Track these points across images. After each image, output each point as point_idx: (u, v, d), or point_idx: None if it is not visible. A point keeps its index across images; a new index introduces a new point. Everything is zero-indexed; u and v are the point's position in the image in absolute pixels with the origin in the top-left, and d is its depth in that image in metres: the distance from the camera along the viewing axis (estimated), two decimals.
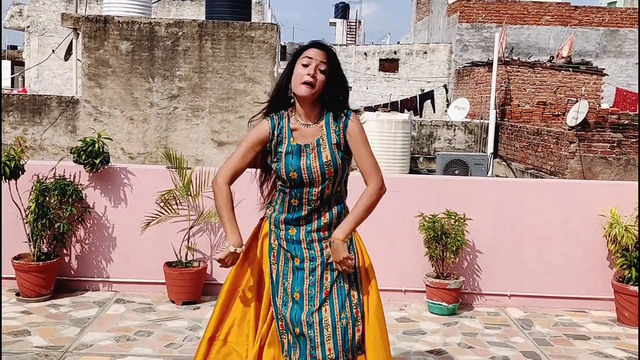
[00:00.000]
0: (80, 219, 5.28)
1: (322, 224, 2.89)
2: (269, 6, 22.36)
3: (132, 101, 14.63)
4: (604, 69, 19.29)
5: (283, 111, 2.91)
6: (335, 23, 49.12)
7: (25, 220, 5.10)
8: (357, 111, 2.95)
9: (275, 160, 2.88)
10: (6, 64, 38.29)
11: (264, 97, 14.39)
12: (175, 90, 14.51)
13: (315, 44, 2.86)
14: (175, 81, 14.45)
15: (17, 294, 5.12)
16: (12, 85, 31.95)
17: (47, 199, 5.05)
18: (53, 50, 19.06)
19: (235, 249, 2.87)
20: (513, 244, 5.40)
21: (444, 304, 5.09)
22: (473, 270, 5.40)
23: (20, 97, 15.53)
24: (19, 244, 5.19)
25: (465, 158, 14.07)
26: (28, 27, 23.89)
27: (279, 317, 2.85)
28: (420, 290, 5.32)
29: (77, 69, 15.83)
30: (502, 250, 5.40)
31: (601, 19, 22.68)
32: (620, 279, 5.11)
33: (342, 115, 2.88)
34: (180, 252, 5.23)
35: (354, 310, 2.82)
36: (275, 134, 2.88)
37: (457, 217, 5.15)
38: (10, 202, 5.12)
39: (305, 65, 2.80)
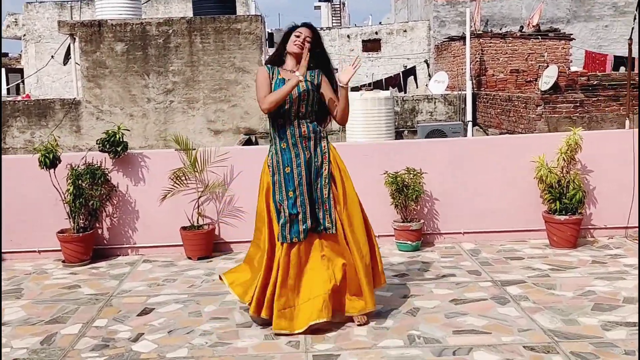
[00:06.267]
0: (108, 197, 6.46)
1: (302, 134, 4.39)
2: None
3: (131, 98, 15.81)
4: (572, 34, 20.39)
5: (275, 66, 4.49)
6: (320, 6, 50.05)
7: (64, 201, 6.28)
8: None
9: (272, 90, 4.37)
10: None
11: (254, 86, 15.49)
12: (170, 84, 15.68)
13: (304, 24, 4.47)
14: (170, 76, 15.63)
15: (63, 261, 6.31)
16: (8, 93, 32.93)
17: (81, 182, 6.23)
18: (52, 56, 20.17)
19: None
20: (464, 191, 6.59)
21: (408, 242, 6.29)
22: (432, 214, 6.60)
23: (26, 103, 16.67)
24: (61, 221, 6.38)
25: (443, 128, 15.26)
26: (24, 35, 24.97)
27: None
28: (390, 234, 6.51)
29: (76, 71, 16.96)
30: (455, 197, 6.59)
31: None
32: (549, 211, 6.31)
33: (320, 71, 4.48)
34: (192, 217, 6.43)
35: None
36: (271, 74, 4.43)
37: (414, 172, 6.34)
38: (50, 187, 6.30)
39: (297, 36, 4.39)
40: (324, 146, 4.46)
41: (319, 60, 4.48)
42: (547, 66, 16.07)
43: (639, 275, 5.27)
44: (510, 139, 7.33)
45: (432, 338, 4.24)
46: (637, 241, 6.23)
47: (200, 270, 5.97)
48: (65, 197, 6.26)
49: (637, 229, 6.40)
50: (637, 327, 4.27)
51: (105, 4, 16.81)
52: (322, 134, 4.49)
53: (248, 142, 13.99)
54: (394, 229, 6.38)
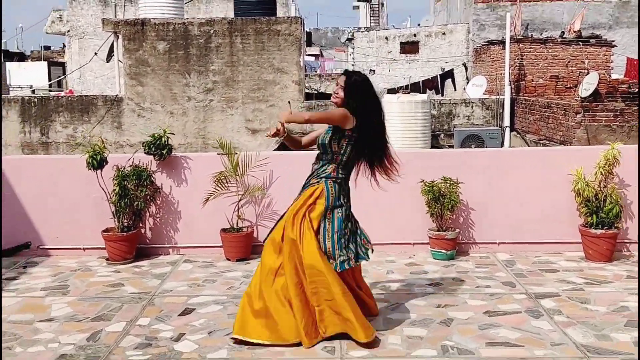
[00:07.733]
0: (152, 198, 6.67)
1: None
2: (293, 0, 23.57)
3: (172, 96, 16.10)
4: (613, 41, 20.11)
5: None
6: (358, 6, 50.04)
7: (110, 201, 6.50)
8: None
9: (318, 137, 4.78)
10: (42, 65, 40.20)
11: (292, 86, 15.76)
12: (210, 84, 15.93)
13: (343, 73, 4.70)
14: (210, 75, 15.88)
15: (107, 259, 6.53)
16: (50, 87, 33.62)
17: (127, 183, 6.44)
18: (95, 53, 20.56)
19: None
20: (500, 202, 6.64)
21: (443, 250, 6.37)
22: (468, 224, 6.67)
23: (69, 99, 17.06)
24: (106, 220, 6.60)
25: (480, 133, 15.23)
26: (68, 31, 25.45)
27: None
28: (425, 242, 6.60)
29: (119, 69, 17.31)
30: (491, 207, 6.64)
31: None
32: (585, 225, 6.33)
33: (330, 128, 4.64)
34: (232, 220, 6.59)
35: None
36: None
37: (451, 182, 6.41)
38: (95, 186, 6.52)
39: (337, 85, 4.64)
40: (317, 186, 4.59)
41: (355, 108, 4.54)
42: (588, 73, 15.92)
43: (639, 280, 5.29)
44: (548, 150, 7.36)
45: (466, 349, 4.33)
46: None
47: (239, 272, 6.14)
48: (110, 197, 6.48)
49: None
50: None
51: (148, 3, 17.12)
52: (325, 174, 4.60)
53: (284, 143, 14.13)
54: (429, 237, 6.47)
